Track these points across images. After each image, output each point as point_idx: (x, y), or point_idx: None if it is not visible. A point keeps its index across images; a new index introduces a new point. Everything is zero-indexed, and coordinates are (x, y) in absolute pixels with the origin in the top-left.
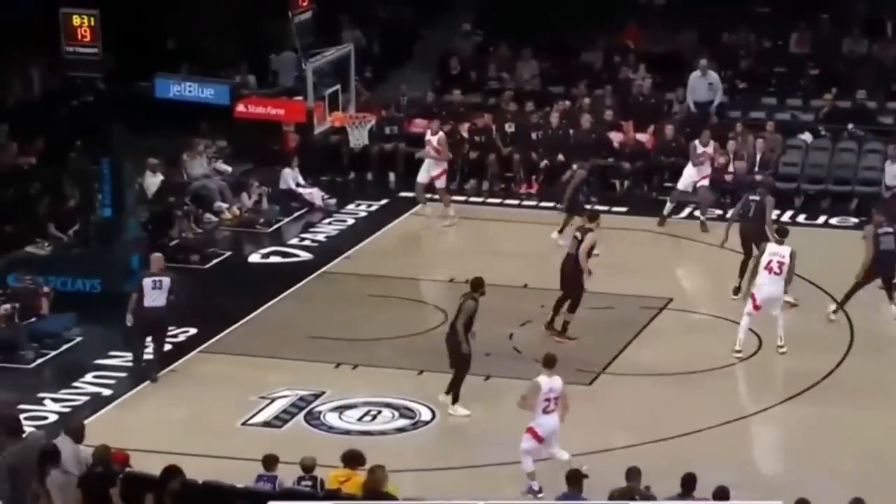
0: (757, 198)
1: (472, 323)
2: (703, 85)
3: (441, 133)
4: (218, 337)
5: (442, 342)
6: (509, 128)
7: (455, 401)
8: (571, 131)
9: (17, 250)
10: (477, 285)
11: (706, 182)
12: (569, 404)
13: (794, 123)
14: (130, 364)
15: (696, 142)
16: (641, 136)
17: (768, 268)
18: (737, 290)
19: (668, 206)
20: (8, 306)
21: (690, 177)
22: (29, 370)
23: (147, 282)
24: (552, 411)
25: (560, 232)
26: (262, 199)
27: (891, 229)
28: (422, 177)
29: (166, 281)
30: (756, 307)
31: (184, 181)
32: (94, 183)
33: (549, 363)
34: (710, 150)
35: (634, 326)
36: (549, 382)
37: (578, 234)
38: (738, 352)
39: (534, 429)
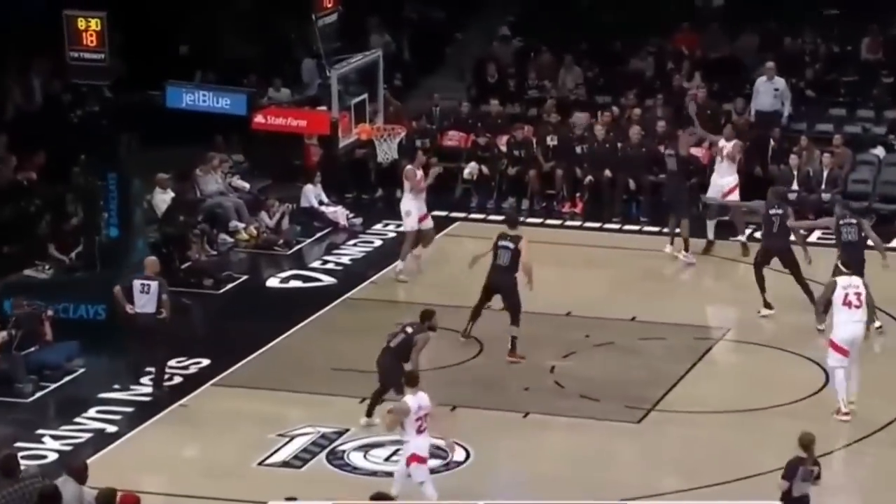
0: (780, 211)
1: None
2: (769, 91)
3: (414, 168)
4: (232, 369)
5: (479, 374)
6: (551, 141)
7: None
8: (619, 144)
9: (14, 274)
10: (428, 317)
11: (736, 195)
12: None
13: (864, 137)
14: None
15: (722, 139)
16: (696, 151)
17: (846, 303)
18: (768, 305)
19: (710, 227)
20: (4, 334)
21: (717, 185)
22: (27, 404)
23: (136, 284)
24: (425, 430)
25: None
26: (281, 219)
27: (854, 220)
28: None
29: (154, 285)
30: (844, 352)
31: (197, 198)
32: (100, 200)
33: (412, 381)
34: (731, 147)
35: (688, 359)
36: (417, 401)
37: (510, 244)
38: (846, 415)
39: (416, 455)
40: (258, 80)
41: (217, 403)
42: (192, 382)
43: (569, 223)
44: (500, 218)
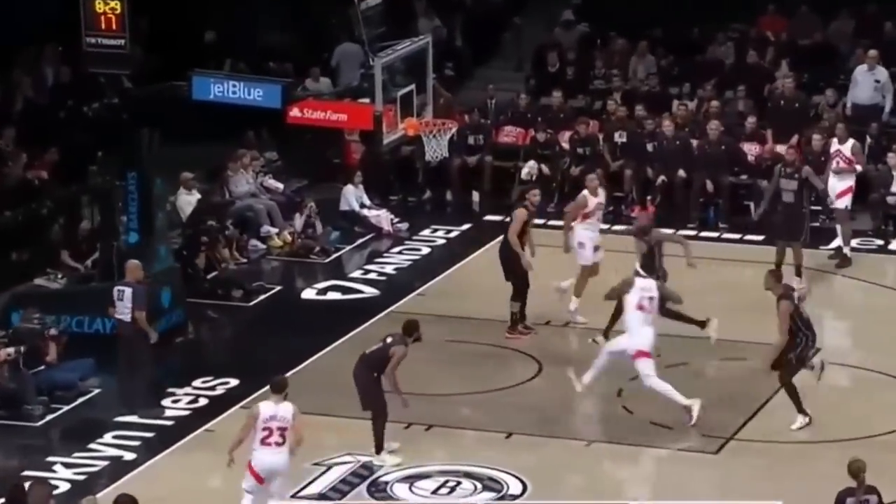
0: None
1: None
2: (869, 82)
3: (587, 195)
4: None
5: (537, 397)
6: (619, 137)
7: (379, 450)
8: (696, 142)
9: (24, 283)
10: (411, 329)
11: (847, 200)
12: (303, 437)
13: None
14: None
15: (834, 139)
16: (782, 148)
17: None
18: None
19: (843, 237)
20: (11, 350)
21: (834, 189)
22: (37, 428)
23: (114, 291)
24: (272, 444)
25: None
26: (308, 221)
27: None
28: None
29: (128, 292)
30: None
31: (226, 200)
32: (118, 202)
33: (278, 388)
34: (847, 150)
35: (771, 382)
36: (273, 409)
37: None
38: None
39: (251, 464)
40: (294, 70)
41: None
42: (219, 405)
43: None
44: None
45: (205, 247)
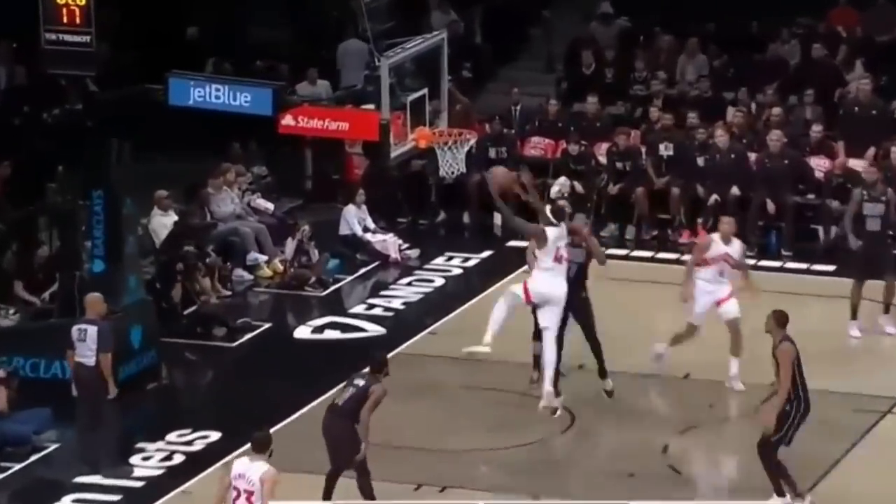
0: None
1: None
2: None
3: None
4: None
5: (567, 454)
6: (665, 150)
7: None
8: (754, 155)
9: None
10: (382, 364)
11: None
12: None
13: None
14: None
15: None
16: (857, 163)
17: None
18: None
19: None
20: None
21: None
22: None
23: (73, 331)
24: None
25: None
26: (301, 244)
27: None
28: None
29: (92, 331)
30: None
31: (207, 223)
32: (81, 225)
33: (259, 446)
34: None
35: (846, 437)
36: (244, 467)
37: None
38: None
39: None
40: (288, 71)
41: None
42: (197, 462)
43: (688, 257)
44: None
45: (180, 276)
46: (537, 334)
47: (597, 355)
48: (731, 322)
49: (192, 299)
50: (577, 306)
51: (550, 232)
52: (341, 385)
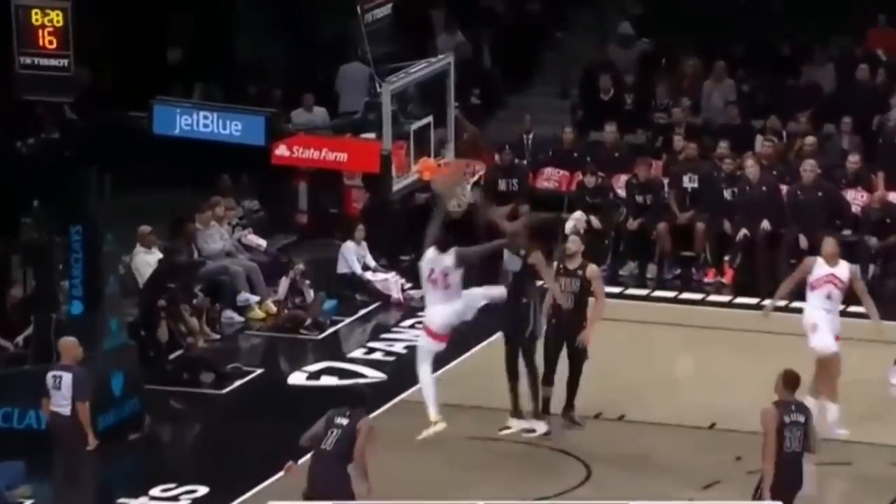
0: None
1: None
2: None
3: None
4: (240, 500)
5: None
6: (689, 182)
7: None
8: (786, 187)
9: None
10: (363, 397)
11: None
12: None
13: None
14: None
15: None
16: None
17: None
18: None
19: None
20: None
21: None
22: None
23: (48, 378)
24: None
25: None
26: (294, 284)
27: None
28: None
29: (67, 378)
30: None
31: (194, 261)
32: (58, 264)
33: None
34: None
35: (884, 492)
36: None
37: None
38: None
39: None
40: (282, 97)
41: None
42: None
43: (713, 298)
44: (617, 290)
45: (164, 313)
46: (547, 378)
47: (570, 389)
48: (827, 358)
49: (178, 342)
50: (573, 336)
51: (426, 254)
52: (315, 430)
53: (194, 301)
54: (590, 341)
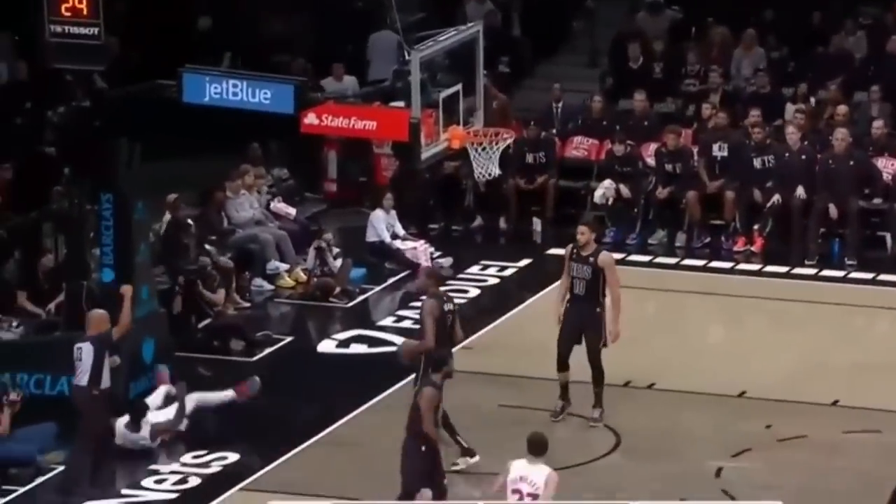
0: None
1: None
2: None
3: None
4: (270, 467)
5: (612, 478)
6: (719, 150)
7: None
8: (819, 156)
9: None
10: (439, 363)
11: None
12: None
13: None
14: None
15: None
16: None
17: None
18: None
19: None
20: None
21: None
22: None
23: (74, 350)
24: None
25: None
26: (332, 258)
27: None
28: None
29: (86, 348)
30: None
31: (223, 229)
32: (89, 232)
33: (539, 449)
34: None
35: None
36: (525, 471)
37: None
38: None
39: None
40: (311, 66)
41: None
42: (214, 485)
43: (743, 267)
44: (646, 259)
45: (180, 289)
46: (561, 364)
47: (595, 383)
48: None
49: (203, 311)
50: (588, 323)
51: None
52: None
53: (219, 260)
54: (618, 337)
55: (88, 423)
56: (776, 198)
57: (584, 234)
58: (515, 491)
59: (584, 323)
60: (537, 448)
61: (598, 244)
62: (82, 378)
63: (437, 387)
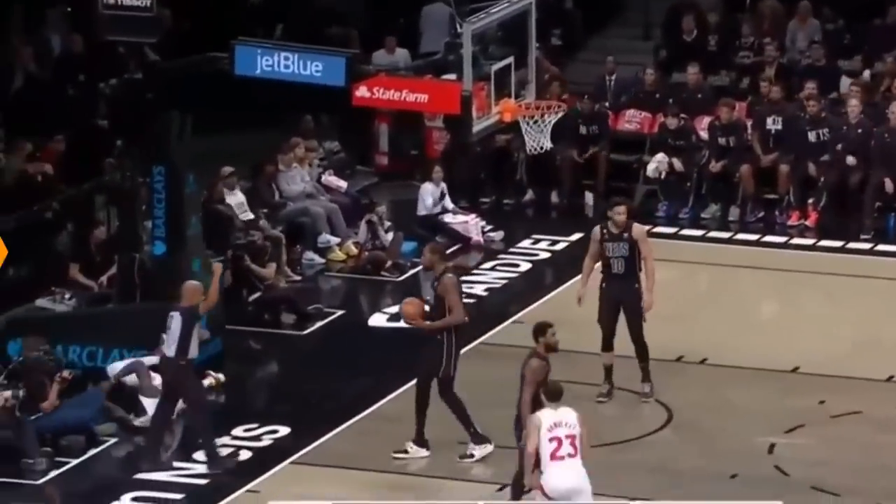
0: None
1: (553, 393)
2: None
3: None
4: (321, 441)
5: (664, 454)
6: (773, 123)
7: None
8: (874, 129)
9: (23, 304)
10: (538, 331)
11: None
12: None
13: None
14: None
15: None
16: None
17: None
18: None
19: None
20: (8, 394)
21: None
22: (37, 488)
23: (167, 318)
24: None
25: None
26: (383, 231)
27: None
28: None
29: (175, 317)
30: None
31: (275, 202)
32: (141, 204)
33: (557, 396)
34: None
35: None
36: (558, 417)
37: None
38: None
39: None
40: (362, 38)
41: (299, 488)
42: (266, 459)
43: (797, 241)
44: (699, 233)
45: (229, 263)
46: (607, 344)
47: (641, 358)
48: None
49: (255, 285)
50: (627, 300)
51: None
52: None
53: (269, 233)
54: (651, 307)
55: (177, 392)
56: (850, 161)
57: (622, 213)
58: (554, 439)
59: (623, 300)
60: (556, 395)
61: (627, 219)
62: (170, 348)
63: (544, 358)
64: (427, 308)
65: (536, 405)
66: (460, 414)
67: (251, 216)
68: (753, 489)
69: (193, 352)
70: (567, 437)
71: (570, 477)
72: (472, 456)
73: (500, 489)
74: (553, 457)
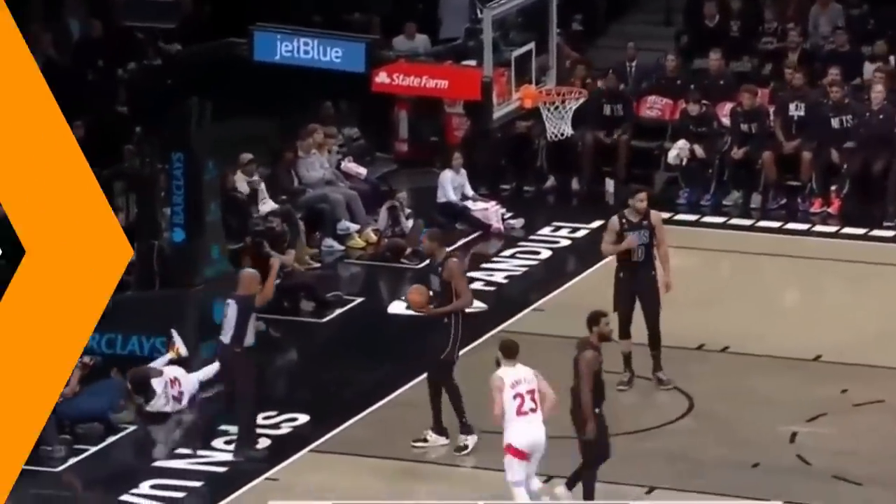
0: None
1: (602, 384)
2: None
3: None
4: (340, 428)
5: (684, 442)
6: (796, 109)
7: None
8: None
9: None
10: (590, 321)
11: None
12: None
13: None
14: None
15: None
16: None
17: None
18: None
19: None
20: None
21: None
22: (56, 475)
23: (224, 305)
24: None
25: None
26: (404, 218)
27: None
28: None
29: (231, 306)
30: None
31: (294, 188)
32: (160, 191)
33: (512, 353)
34: None
35: None
36: (516, 374)
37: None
38: None
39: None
40: (382, 24)
41: (318, 476)
42: (284, 447)
43: (820, 228)
44: (721, 220)
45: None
46: (624, 332)
47: (654, 346)
48: None
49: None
50: (645, 288)
51: None
52: None
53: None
54: (672, 286)
55: (234, 380)
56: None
57: (643, 200)
58: (517, 395)
59: (640, 288)
60: (511, 351)
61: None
62: (227, 335)
63: (597, 348)
64: (432, 294)
65: (597, 396)
66: (455, 402)
67: (270, 204)
68: (775, 478)
69: (249, 340)
70: (528, 392)
71: (534, 431)
72: (466, 447)
73: (547, 481)
74: (519, 412)
